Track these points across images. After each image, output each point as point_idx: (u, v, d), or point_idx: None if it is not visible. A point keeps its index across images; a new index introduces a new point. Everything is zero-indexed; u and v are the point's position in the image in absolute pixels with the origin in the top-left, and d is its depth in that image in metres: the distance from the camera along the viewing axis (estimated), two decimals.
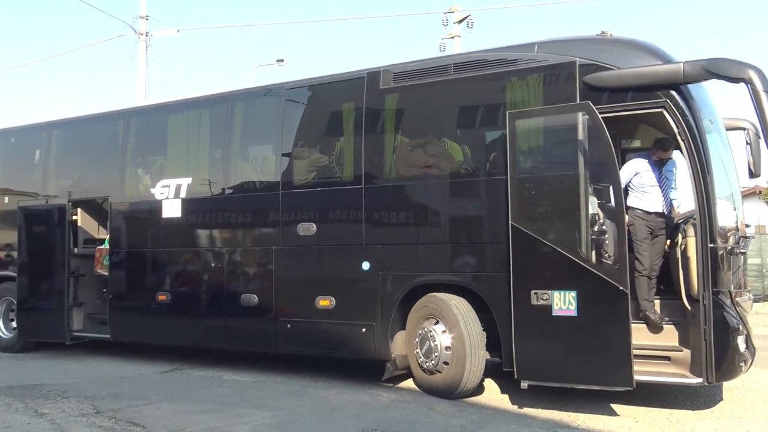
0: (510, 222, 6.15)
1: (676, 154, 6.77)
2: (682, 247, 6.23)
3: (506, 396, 6.78)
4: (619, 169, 6.14)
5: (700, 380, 5.74)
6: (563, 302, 5.83)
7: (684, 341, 6.22)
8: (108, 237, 9.42)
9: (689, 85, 5.95)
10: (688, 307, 6.12)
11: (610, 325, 5.76)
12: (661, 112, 5.95)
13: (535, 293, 5.95)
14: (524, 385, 6.10)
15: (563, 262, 5.88)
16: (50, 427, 5.68)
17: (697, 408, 6.35)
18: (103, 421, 5.89)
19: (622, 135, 7.56)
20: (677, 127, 5.87)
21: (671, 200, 6.88)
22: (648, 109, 6.07)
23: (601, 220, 5.89)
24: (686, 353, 6.08)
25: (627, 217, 6.34)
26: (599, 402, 6.41)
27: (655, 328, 6.36)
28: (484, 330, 6.62)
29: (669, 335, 6.35)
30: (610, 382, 5.83)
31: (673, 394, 6.77)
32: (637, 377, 5.73)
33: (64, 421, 5.85)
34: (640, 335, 6.23)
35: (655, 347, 6.26)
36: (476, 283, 6.61)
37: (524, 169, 6.27)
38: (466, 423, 5.84)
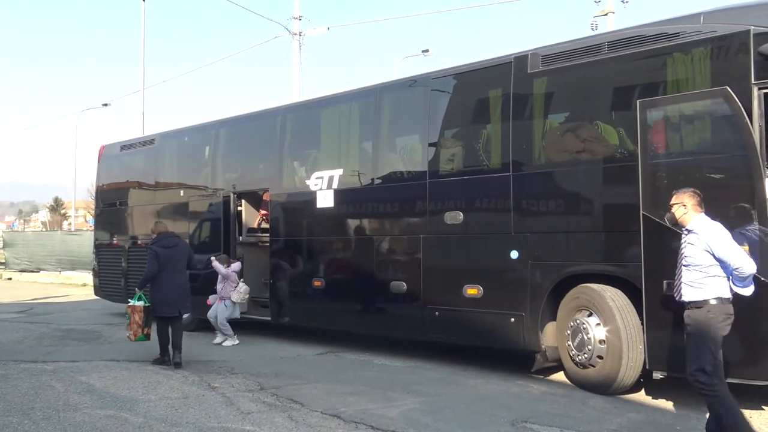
0: (641, 211, 5.96)
1: None
2: None
3: (667, 395, 6.35)
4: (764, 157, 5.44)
5: None
6: None
7: None
8: (140, 293, 8.12)
9: None
10: None
11: (752, 316, 5.33)
12: None
13: (669, 283, 5.61)
14: (656, 375, 6.06)
15: None
16: (221, 399, 6.22)
17: None
18: (266, 397, 6.34)
19: None
20: None
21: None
22: None
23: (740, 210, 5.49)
24: None
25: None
26: None
27: None
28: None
29: None
30: (751, 376, 5.55)
31: None
32: None
33: (233, 395, 6.38)
34: None
35: None
36: (634, 273, 6.23)
37: (656, 158, 6.05)
38: (622, 421, 5.57)
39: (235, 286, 9.82)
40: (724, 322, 4.77)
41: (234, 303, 9.80)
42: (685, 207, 4.98)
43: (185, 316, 10.82)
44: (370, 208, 8.83)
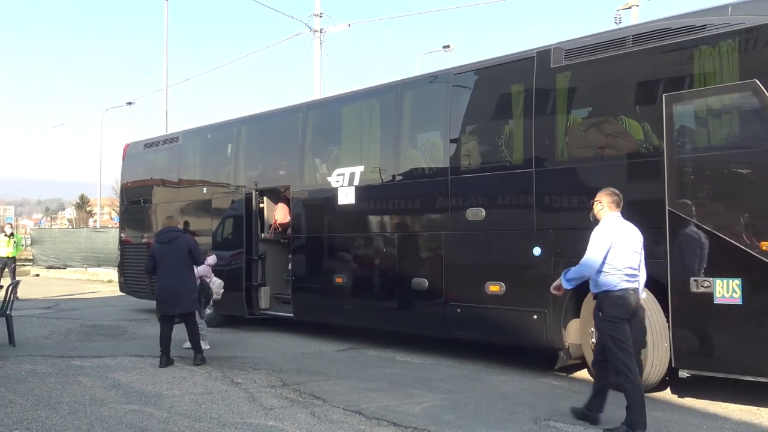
0: (666, 207, 5.91)
1: None
2: None
3: (694, 393, 6.25)
4: None
5: None
6: (726, 290, 5.58)
7: None
8: None
9: None
10: None
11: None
12: None
13: (695, 280, 5.72)
14: (683, 374, 5.98)
15: (727, 249, 5.60)
16: (244, 395, 6.26)
17: None
18: (288, 393, 6.37)
19: None
20: None
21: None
22: None
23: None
24: None
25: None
26: None
27: None
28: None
29: None
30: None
31: None
32: None
33: (255, 391, 6.42)
34: None
35: None
36: (659, 270, 6.14)
37: (682, 153, 5.97)
38: (648, 420, 5.47)
39: (209, 281, 9.04)
40: (613, 310, 5.00)
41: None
42: (602, 204, 5.25)
43: (209, 312, 10.64)
44: (391, 205, 8.82)
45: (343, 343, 9.44)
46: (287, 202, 10.74)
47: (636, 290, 5.10)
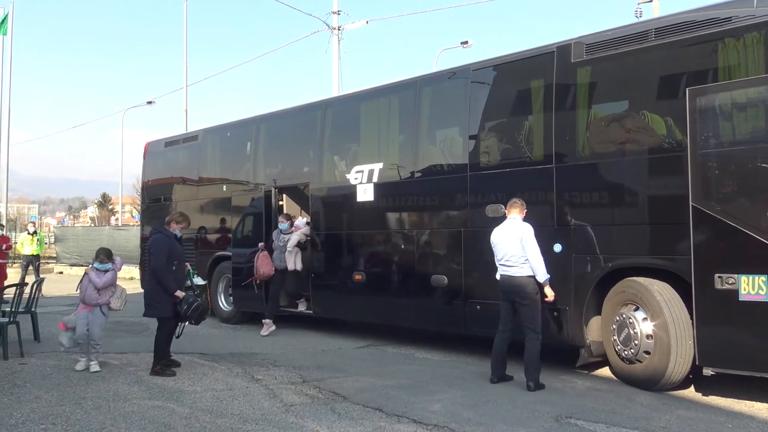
0: (690, 203, 5.84)
1: None
2: None
3: (718, 391, 6.17)
4: None
5: None
6: (752, 287, 5.50)
7: None
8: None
9: None
10: None
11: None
12: None
13: (720, 277, 5.65)
14: (707, 372, 5.96)
15: (752, 245, 5.51)
16: (265, 392, 6.30)
17: None
18: (309, 389, 6.39)
19: None
20: None
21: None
22: None
23: None
24: None
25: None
26: None
27: None
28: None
29: None
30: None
31: None
32: None
33: (276, 388, 6.45)
34: None
35: None
36: (682, 266, 6.06)
37: (706, 147, 5.87)
38: (671, 418, 5.42)
39: (114, 290, 7.61)
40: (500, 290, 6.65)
41: (110, 310, 7.62)
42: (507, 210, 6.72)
43: (229, 309, 10.46)
44: (410, 202, 8.80)
45: (362, 340, 9.45)
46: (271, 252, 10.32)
47: (510, 276, 6.46)
